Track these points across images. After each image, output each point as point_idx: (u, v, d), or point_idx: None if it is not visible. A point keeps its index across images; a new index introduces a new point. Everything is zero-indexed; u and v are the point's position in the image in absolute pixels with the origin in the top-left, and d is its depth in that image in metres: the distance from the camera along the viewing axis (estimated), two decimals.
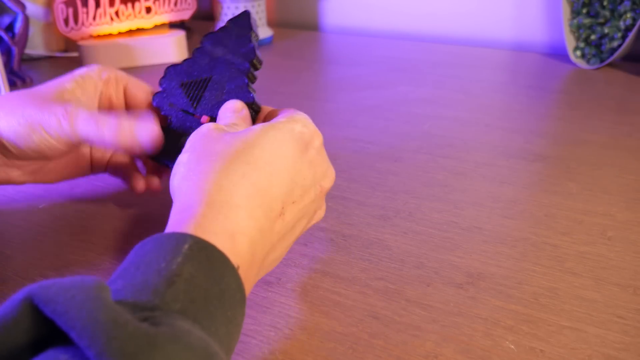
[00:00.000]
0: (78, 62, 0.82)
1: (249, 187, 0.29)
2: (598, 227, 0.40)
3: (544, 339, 0.30)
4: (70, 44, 0.89)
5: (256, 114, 0.39)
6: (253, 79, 0.40)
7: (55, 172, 0.40)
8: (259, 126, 0.32)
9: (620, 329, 0.31)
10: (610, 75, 0.72)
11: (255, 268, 0.28)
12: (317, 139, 0.33)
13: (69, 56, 0.87)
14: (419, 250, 0.38)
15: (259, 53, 0.40)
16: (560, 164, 0.49)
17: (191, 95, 0.40)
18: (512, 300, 0.33)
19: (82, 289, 0.20)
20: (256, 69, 0.40)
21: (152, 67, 0.80)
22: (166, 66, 0.41)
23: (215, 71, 0.40)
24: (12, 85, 0.73)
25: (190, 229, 0.26)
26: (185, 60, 0.40)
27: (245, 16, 0.40)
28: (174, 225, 0.27)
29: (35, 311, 0.20)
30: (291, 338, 0.30)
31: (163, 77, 0.40)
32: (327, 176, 0.34)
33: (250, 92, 0.39)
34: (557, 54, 0.83)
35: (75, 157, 0.41)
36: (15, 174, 0.38)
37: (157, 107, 0.40)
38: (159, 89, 0.40)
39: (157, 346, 0.19)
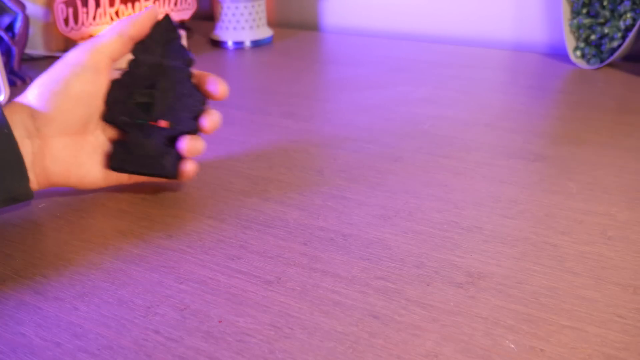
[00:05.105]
0: None
1: None
2: (598, 227, 0.40)
3: (544, 339, 0.30)
4: (70, 44, 0.88)
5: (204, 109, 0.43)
6: (192, 77, 0.43)
7: (90, 163, 0.42)
8: None
9: (620, 329, 0.31)
10: (610, 75, 0.72)
11: None
12: None
13: None
14: (419, 249, 0.38)
15: (189, 52, 0.43)
16: (560, 164, 0.49)
17: (141, 104, 0.42)
18: (512, 299, 0.33)
19: None
20: (191, 66, 0.43)
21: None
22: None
23: (157, 77, 0.43)
24: (12, 85, 0.73)
25: None
26: (124, 73, 0.43)
27: (167, 20, 0.43)
28: None
29: None
30: (291, 337, 0.30)
31: (108, 93, 0.42)
32: None
33: (198, 91, 0.43)
34: (557, 54, 0.83)
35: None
36: (56, 146, 0.40)
37: (109, 123, 0.43)
38: (106, 106, 0.42)
39: None
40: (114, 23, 0.42)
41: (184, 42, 0.43)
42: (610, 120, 0.58)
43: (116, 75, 0.43)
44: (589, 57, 0.76)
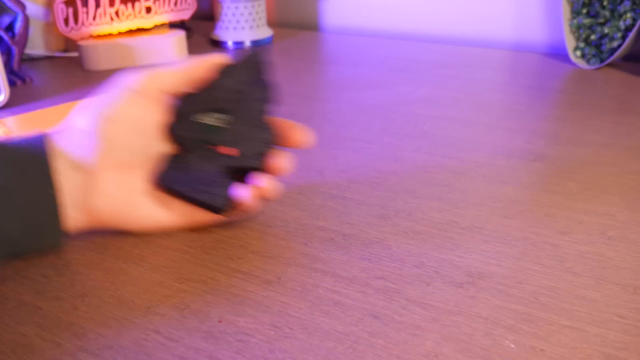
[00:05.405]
0: (78, 62, 0.83)
1: None
2: (598, 227, 0.40)
3: (544, 338, 0.30)
4: (70, 44, 0.89)
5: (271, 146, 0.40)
6: (269, 111, 0.40)
7: (144, 202, 0.38)
8: None
9: (620, 328, 0.31)
10: (610, 75, 0.72)
11: None
12: None
13: (69, 56, 0.87)
14: (419, 249, 0.38)
15: (271, 87, 0.40)
16: (561, 164, 0.49)
17: (209, 126, 0.39)
18: (512, 299, 0.33)
19: None
20: (272, 101, 0.40)
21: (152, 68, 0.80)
22: (182, 94, 0.39)
23: (235, 103, 0.40)
24: (12, 85, 0.73)
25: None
26: (202, 90, 0.39)
27: (259, 51, 0.41)
28: None
29: None
30: (291, 337, 0.30)
31: (178, 105, 0.39)
32: None
33: (271, 127, 0.39)
34: (557, 54, 0.83)
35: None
36: (106, 181, 0.37)
37: (172, 134, 0.39)
38: (174, 118, 0.39)
39: None
40: (179, 60, 0.40)
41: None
42: (610, 120, 0.58)
43: (193, 90, 0.40)
44: (589, 57, 0.76)
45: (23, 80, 0.74)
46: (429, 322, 0.31)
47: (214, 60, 0.39)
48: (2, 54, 0.75)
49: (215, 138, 0.39)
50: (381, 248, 0.38)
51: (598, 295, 0.33)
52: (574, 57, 0.77)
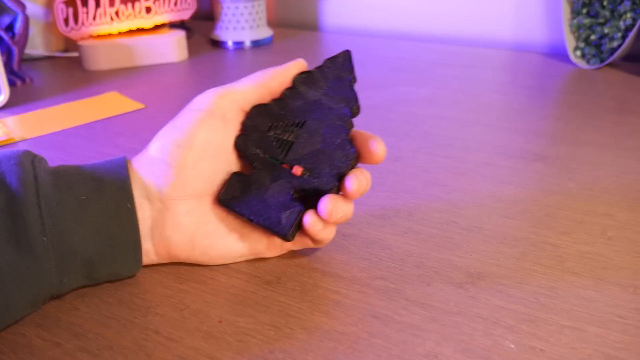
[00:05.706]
0: (78, 62, 0.83)
1: None
2: (598, 227, 0.40)
3: (544, 339, 0.30)
4: (70, 44, 0.89)
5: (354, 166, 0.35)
6: (351, 127, 0.35)
7: (218, 232, 0.35)
8: None
9: (620, 329, 0.31)
10: (610, 75, 0.72)
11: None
12: None
13: (69, 56, 0.87)
14: (419, 249, 0.38)
15: (357, 98, 0.36)
16: (560, 164, 0.49)
17: (281, 141, 0.35)
18: (512, 299, 0.33)
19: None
20: (354, 116, 0.35)
21: (152, 67, 0.80)
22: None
23: (310, 116, 0.35)
24: (12, 85, 0.73)
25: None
26: (274, 101, 0.36)
27: (345, 56, 0.36)
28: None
29: None
30: (291, 337, 0.30)
31: (247, 117, 0.35)
32: None
33: (352, 146, 0.34)
34: (557, 54, 0.83)
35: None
36: (179, 211, 0.34)
37: (239, 150, 0.35)
38: (242, 131, 0.35)
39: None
40: (255, 73, 0.36)
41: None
42: (610, 120, 0.58)
43: (265, 101, 0.36)
44: (589, 57, 0.76)
45: (23, 80, 0.74)
46: (429, 322, 0.31)
47: (291, 68, 0.36)
48: (2, 54, 0.75)
49: (287, 155, 0.35)
50: (381, 248, 0.38)
51: (598, 295, 0.33)
52: (574, 57, 0.77)
